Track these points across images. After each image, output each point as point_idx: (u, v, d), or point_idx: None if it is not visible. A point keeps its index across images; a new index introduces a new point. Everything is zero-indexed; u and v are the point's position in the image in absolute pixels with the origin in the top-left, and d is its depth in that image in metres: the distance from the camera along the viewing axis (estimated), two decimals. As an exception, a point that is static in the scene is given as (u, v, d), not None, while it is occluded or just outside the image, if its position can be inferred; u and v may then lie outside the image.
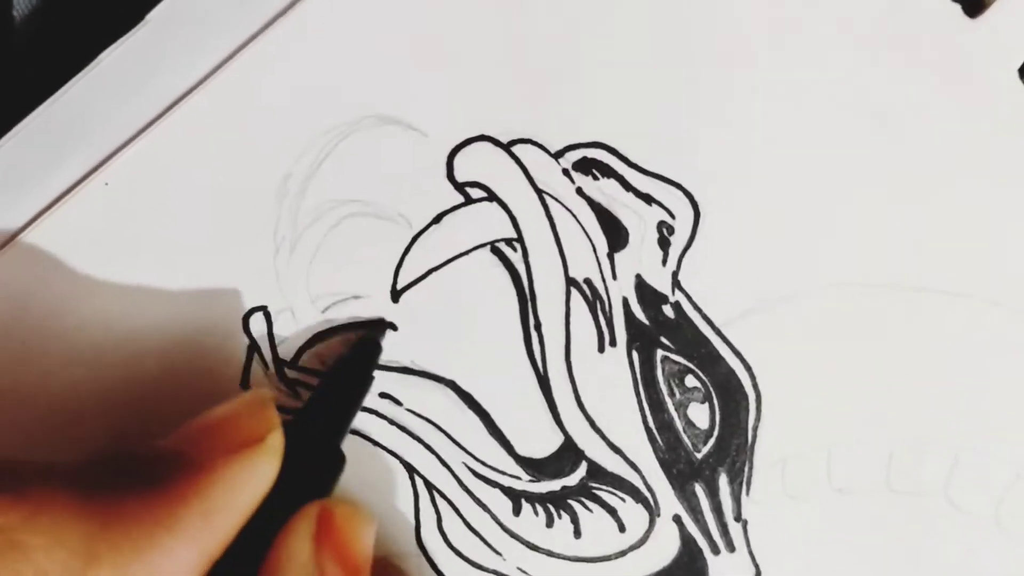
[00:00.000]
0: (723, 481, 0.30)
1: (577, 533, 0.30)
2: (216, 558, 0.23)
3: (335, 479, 0.27)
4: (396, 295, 0.30)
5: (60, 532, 0.21)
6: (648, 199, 0.30)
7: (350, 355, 0.29)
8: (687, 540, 0.30)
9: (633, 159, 0.29)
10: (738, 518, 0.30)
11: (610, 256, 0.30)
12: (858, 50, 0.30)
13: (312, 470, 0.26)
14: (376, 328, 0.29)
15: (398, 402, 0.30)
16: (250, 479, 0.23)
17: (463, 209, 0.30)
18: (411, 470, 0.30)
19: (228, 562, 0.23)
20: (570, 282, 0.30)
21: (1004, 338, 0.30)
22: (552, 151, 0.30)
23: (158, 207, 0.29)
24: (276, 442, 0.24)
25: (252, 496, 0.23)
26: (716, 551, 0.30)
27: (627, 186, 0.30)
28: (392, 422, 0.30)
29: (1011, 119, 0.30)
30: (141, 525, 0.22)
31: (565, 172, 0.30)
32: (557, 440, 0.30)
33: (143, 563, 0.21)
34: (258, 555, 0.24)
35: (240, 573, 0.23)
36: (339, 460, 0.27)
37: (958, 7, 0.30)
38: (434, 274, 0.30)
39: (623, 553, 0.30)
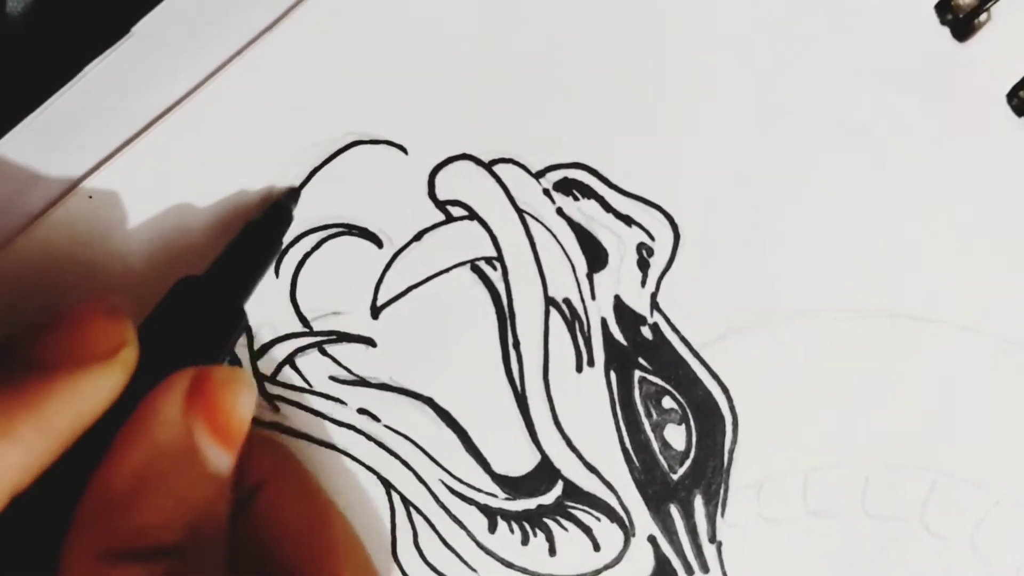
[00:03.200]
0: (698, 503, 0.30)
1: (552, 551, 0.30)
2: (53, 460, 0.22)
3: (231, 338, 0.26)
4: (376, 311, 0.30)
5: None
6: (628, 220, 0.30)
7: (259, 218, 0.29)
8: (661, 560, 0.30)
9: (614, 180, 0.29)
10: (713, 539, 0.30)
11: (589, 276, 0.30)
12: (844, 73, 0.29)
13: (207, 327, 0.26)
14: (288, 196, 0.29)
15: (376, 418, 0.30)
16: (94, 393, 0.22)
17: (444, 227, 0.30)
18: (388, 486, 0.30)
19: (103, 425, 0.23)
20: (549, 301, 0.30)
21: (982, 364, 0.29)
22: (533, 171, 0.30)
23: (141, 220, 0.29)
24: (128, 358, 0.23)
25: (94, 408, 0.23)
26: (690, 572, 0.30)
27: (607, 207, 0.30)
28: (370, 438, 0.30)
29: (997, 145, 0.30)
30: None
31: (546, 192, 0.30)
32: (534, 459, 0.30)
33: None
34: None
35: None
36: (237, 318, 0.27)
37: (947, 31, 0.30)
38: (414, 291, 0.30)
39: (598, 572, 0.30)
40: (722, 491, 0.30)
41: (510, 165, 0.30)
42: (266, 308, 0.30)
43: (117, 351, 0.23)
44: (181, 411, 0.23)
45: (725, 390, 0.30)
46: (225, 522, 0.24)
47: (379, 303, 0.30)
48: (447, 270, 0.30)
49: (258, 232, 0.28)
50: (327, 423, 0.30)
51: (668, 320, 0.30)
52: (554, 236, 0.30)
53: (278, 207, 0.29)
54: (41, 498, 0.22)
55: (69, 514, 0.23)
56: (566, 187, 0.30)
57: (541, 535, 0.30)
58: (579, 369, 0.30)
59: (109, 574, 0.22)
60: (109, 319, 0.23)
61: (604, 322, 0.30)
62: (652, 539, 0.30)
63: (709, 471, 0.30)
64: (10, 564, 0.23)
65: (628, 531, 0.30)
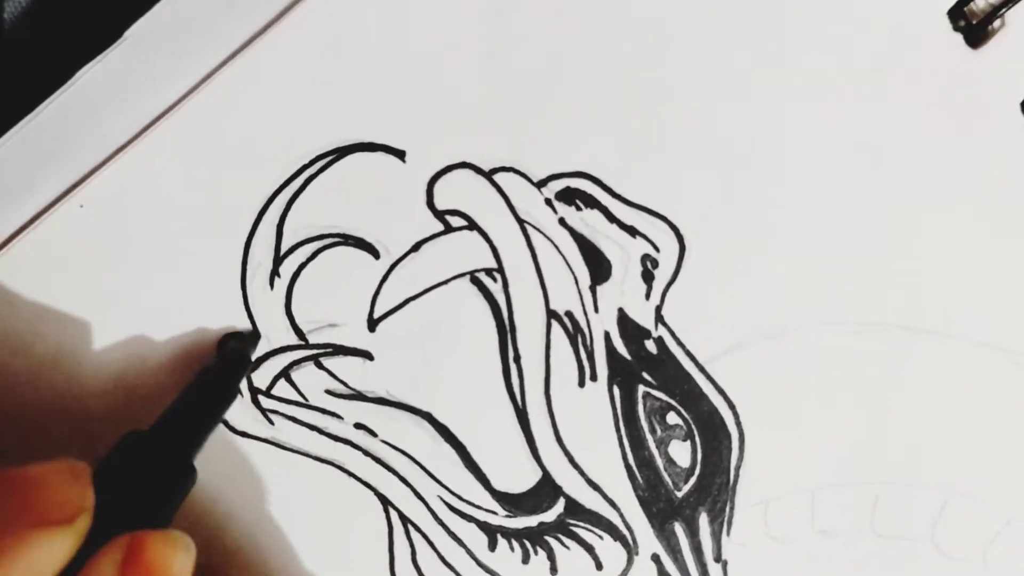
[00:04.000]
0: (703, 521, 0.29)
1: (553, 570, 0.29)
2: None
3: (180, 496, 0.26)
4: (373, 324, 0.29)
5: None
6: (632, 231, 0.29)
7: (213, 364, 0.28)
8: (665, 580, 0.29)
9: (618, 190, 0.29)
10: (718, 559, 0.29)
11: (592, 289, 0.29)
12: (855, 81, 0.29)
13: (154, 486, 0.25)
14: (247, 341, 0.28)
15: (373, 433, 0.29)
16: (47, 558, 0.22)
17: (443, 237, 0.29)
18: (385, 502, 0.29)
19: None
20: (551, 314, 0.29)
21: (994, 380, 0.29)
22: (535, 180, 0.29)
23: (134, 230, 0.29)
24: (82, 526, 0.23)
25: (48, 570, 0.22)
26: (695, 591, 0.29)
27: (611, 217, 0.29)
28: (367, 453, 0.29)
29: (1011, 154, 0.29)
30: None
31: (548, 202, 0.29)
32: (535, 475, 0.29)
33: None
34: None
35: None
36: (186, 475, 0.26)
37: (960, 37, 0.29)
38: (412, 303, 0.29)
39: (600, 591, 0.29)
40: (728, 509, 0.29)
41: (511, 174, 0.29)
42: (261, 320, 0.29)
43: (76, 516, 0.23)
44: None
45: (731, 406, 0.29)
46: None
47: (376, 315, 0.29)
48: (446, 282, 0.29)
49: (212, 380, 0.27)
50: (323, 438, 0.29)
51: (673, 334, 0.29)
52: (556, 247, 0.29)
53: (235, 352, 0.28)
54: None
55: None
56: (569, 197, 0.29)
57: (542, 553, 0.29)
58: (581, 384, 0.29)
59: None
60: (72, 483, 0.23)
61: (607, 335, 0.29)
62: (656, 558, 0.29)
63: (715, 488, 0.29)
64: None
65: (631, 549, 0.29)
